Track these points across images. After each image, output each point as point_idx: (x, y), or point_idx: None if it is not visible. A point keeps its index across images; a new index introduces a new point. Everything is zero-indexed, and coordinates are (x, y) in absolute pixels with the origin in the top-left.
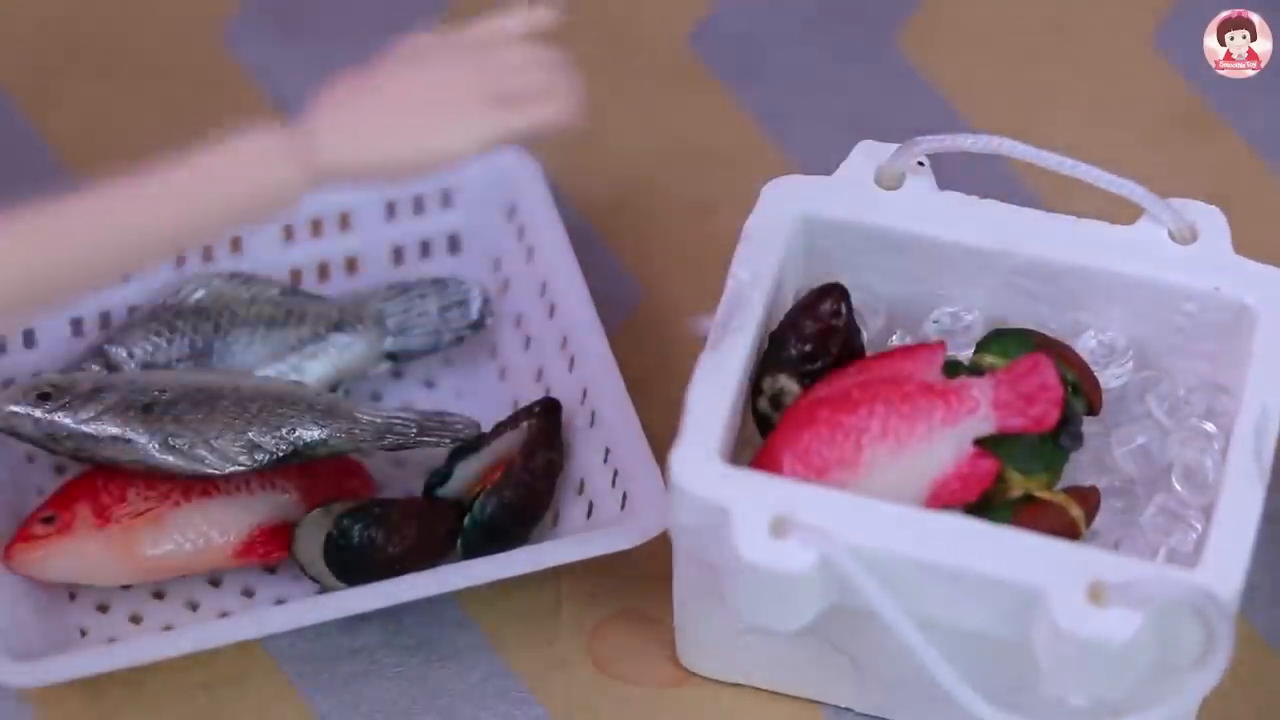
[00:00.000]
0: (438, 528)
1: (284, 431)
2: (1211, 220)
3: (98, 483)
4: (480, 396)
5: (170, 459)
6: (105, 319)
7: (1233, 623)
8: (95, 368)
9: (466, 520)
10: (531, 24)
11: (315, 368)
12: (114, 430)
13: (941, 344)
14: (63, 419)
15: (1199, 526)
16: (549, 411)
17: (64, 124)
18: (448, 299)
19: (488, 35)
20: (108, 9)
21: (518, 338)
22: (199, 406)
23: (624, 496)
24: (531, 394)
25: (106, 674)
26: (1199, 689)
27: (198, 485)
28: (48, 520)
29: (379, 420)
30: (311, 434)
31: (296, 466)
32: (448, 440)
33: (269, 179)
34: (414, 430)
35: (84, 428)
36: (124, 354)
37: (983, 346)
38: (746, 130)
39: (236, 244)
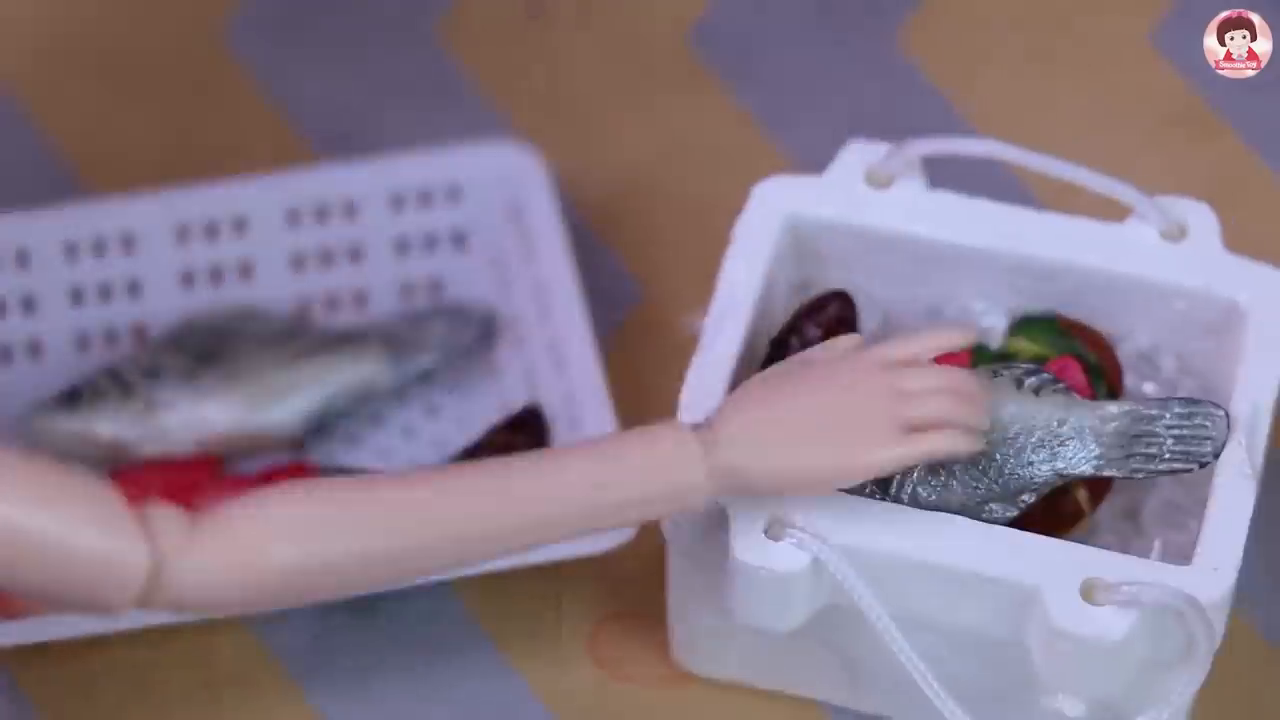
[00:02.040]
0: None
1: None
2: (1201, 217)
3: None
4: (472, 394)
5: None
6: (112, 335)
7: (1216, 621)
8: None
9: None
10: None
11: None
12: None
13: (965, 353)
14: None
15: (1192, 524)
16: (529, 418)
17: (63, 123)
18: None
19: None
20: (108, 9)
21: (512, 338)
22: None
23: None
24: (519, 395)
25: (107, 674)
26: (1186, 687)
27: None
28: None
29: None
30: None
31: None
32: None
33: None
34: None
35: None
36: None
37: (1013, 332)
38: (746, 130)
39: (240, 224)
